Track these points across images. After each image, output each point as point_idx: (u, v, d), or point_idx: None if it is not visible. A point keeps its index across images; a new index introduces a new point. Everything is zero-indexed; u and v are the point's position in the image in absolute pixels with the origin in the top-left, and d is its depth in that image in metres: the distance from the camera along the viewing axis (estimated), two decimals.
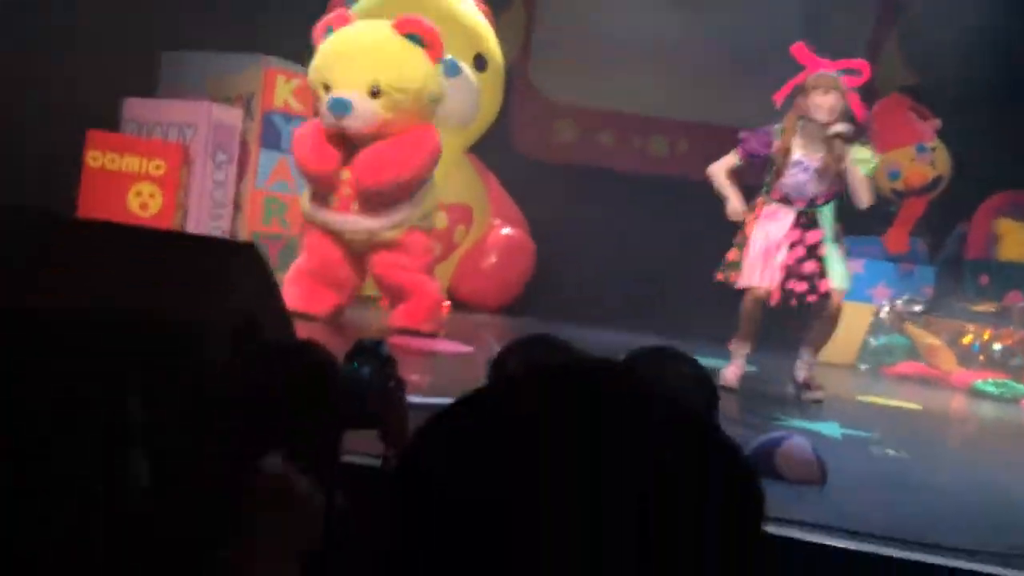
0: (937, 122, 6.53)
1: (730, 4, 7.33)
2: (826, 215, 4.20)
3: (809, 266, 4.14)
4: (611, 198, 6.87)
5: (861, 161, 4.10)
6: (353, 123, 4.35)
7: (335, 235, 4.51)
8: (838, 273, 4.17)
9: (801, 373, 4.23)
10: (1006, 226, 6.22)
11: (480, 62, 6.21)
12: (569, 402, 0.59)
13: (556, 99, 7.69)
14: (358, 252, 4.55)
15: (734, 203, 4.22)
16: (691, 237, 6.00)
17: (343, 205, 4.46)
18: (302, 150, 4.52)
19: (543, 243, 6.67)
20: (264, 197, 5.96)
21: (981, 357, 5.49)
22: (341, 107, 4.33)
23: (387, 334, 4.13)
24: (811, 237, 4.17)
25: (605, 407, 0.59)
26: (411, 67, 4.44)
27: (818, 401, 4.16)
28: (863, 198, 4.13)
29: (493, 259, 6.40)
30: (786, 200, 4.18)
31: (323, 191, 4.51)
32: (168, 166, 5.57)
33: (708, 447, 0.60)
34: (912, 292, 6.08)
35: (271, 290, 2.09)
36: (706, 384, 1.39)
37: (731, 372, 4.20)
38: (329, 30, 4.59)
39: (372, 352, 1.69)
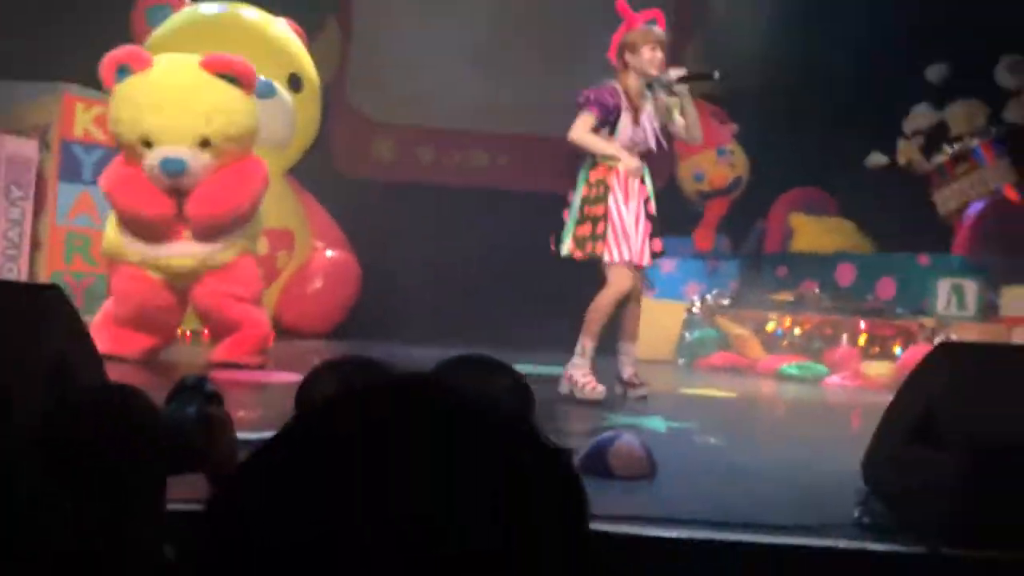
0: (734, 126, 6.98)
1: (539, 17, 7.58)
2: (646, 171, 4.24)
3: (648, 226, 4.17)
4: (433, 213, 6.93)
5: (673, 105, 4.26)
6: (188, 180, 4.20)
7: (154, 269, 4.29)
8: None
9: (627, 370, 4.26)
10: (798, 220, 6.73)
11: (295, 82, 6.13)
12: (378, 419, 0.59)
13: (374, 117, 7.69)
14: (181, 285, 4.35)
15: (616, 151, 4.09)
16: (516, 247, 6.15)
17: (171, 234, 4.27)
18: (131, 198, 4.21)
19: (367, 263, 6.63)
20: (66, 233, 5.61)
21: (784, 343, 5.92)
22: (176, 167, 4.15)
23: (210, 369, 3.99)
24: (645, 192, 4.20)
25: (415, 420, 0.59)
26: (237, 113, 4.28)
27: (643, 398, 4.28)
28: (698, 133, 4.31)
29: (318, 283, 6.29)
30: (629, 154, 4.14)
31: (148, 230, 4.29)
32: None
33: (526, 451, 0.60)
34: (720, 287, 6.48)
35: (79, 333, 2.00)
36: (520, 388, 1.41)
37: (590, 382, 4.11)
38: (123, 70, 4.27)
39: (195, 389, 1.65)
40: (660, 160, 7.01)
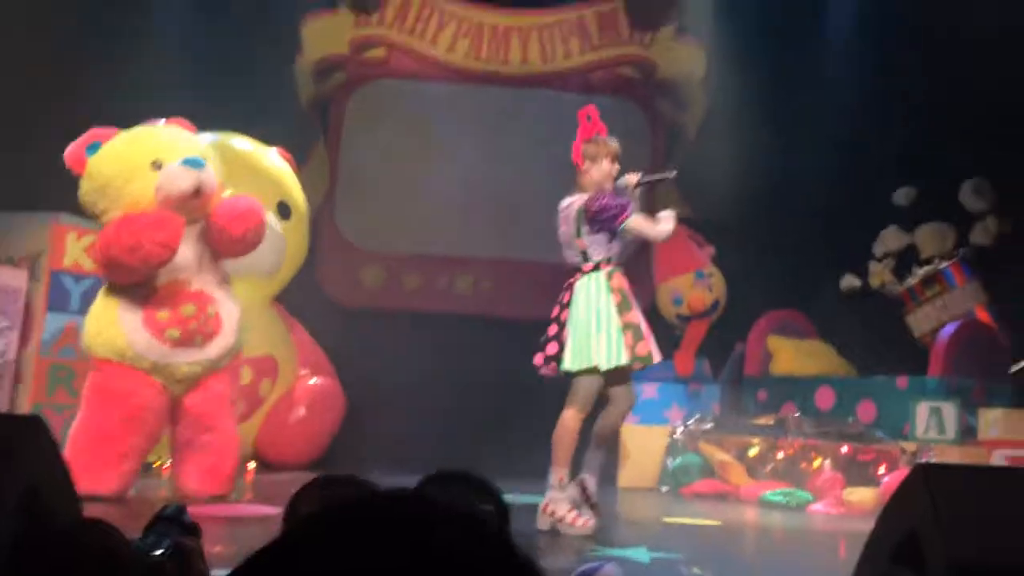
0: (712, 249, 7.13)
1: (520, 148, 7.84)
2: None
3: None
4: (419, 340, 6.97)
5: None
6: (208, 177, 4.31)
7: (157, 373, 4.27)
8: None
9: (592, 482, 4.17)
10: (777, 343, 6.80)
11: (284, 210, 6.27)
12: (362, 532, 0.60)
13: (361, 245, 7.84)
14: (181, 392, 4.35)
15: (664, 219, 4.19)
16: (502, 371, 6.18)
17: (185, 338, 4.28)
18: (166, 230, 4.14)
19: (351, 390, 6.62)
20: (49, 365, 5.60)
21: (767, 468, 5.89)
22: (196, 162, 4.27)
23: (186, 502, 3.94)
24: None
25: (398, 534, 0.60)
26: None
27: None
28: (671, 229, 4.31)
29: (302, 412, 6.25)
30: (620, 265, 4.24)
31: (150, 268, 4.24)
32: None
33: (506, 568, 0.62)
34: (702, 411, 6.48)
35: (56, 465, 1.99)
36: (497, 501, 1.43)
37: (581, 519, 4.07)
38: (93, 147, 4.35)
39: (172, 521, 1.65)
40: (640, 283, 7.19)
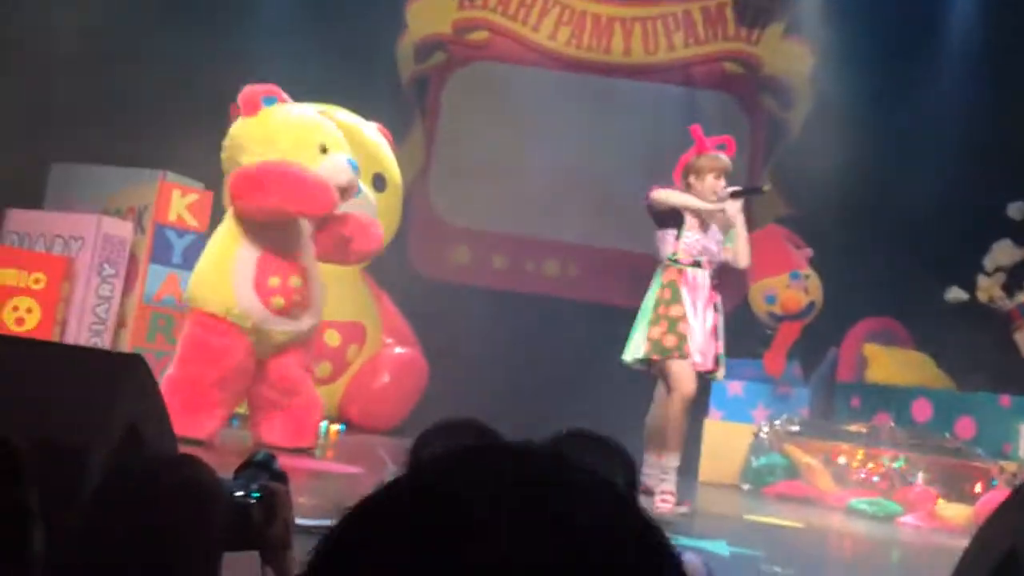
0: (809, 251, 6.95)
1: (616, 137, 7.76)
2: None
3: (714, 332, 4.17)
4: (503, 318, 6.98)
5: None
6: (356, 182, 4.50)
7: (254, 333, 4.37)
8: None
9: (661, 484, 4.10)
10: (872, 350, 6.58)
11: (379, 182, 6.34)
12: (495, 478, 0.57)
13: (452, 222, 7.88)
14: (263, 355, 4.46)
15: (703, 204, 4.14)
16: (581, 356, 6.14)
17: (287, 307, 4.40)
18: (319, 188, 4.33)
19: (435, 363, 6.68)
20: (151, 313, 5.80)
21: (856, 476, 5.69)
22: (354, 166, 4.52)
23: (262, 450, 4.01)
24: (715, 297, 4.21)
25: (532, 483, 0.57)
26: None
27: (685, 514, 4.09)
28: (744, 260, 4.26)
29: (386, 378, 6.35)
30: (697, 264, 4.19)
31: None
32: (48, 280, 5.40)
33: (636, 522, 0.59)
34: (790, 413, 6.31)
35: (155, 401, 2.05)
36: (628, 464, 1.41)
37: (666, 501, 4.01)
38: (271, 100, 4.54)
39: (262, 466, 1.66)
40: (732, 280, 7.05)
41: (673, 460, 4.06)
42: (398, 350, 6.54)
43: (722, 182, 4.18)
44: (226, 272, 4.40)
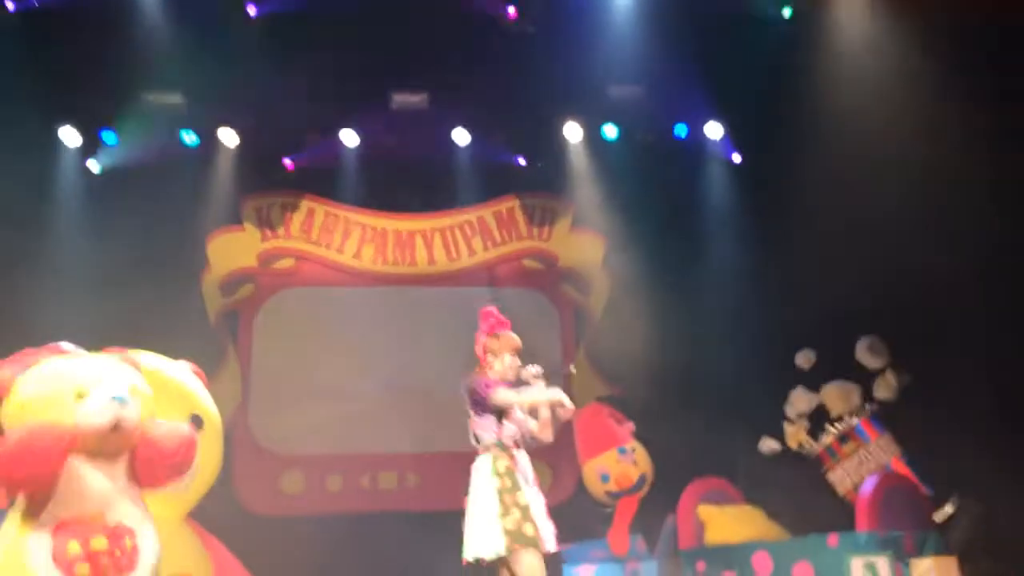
0: (631, 425, 7.19)
1: (433, 343, 7.94)
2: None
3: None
4: (345, 544, 6.73)
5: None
6: (129, 413, 4.11)
7: None
8: None
9: None
10: (707, 512, 6.76)
11: (196, 423, 6.11)
12: None
13: (278, 451, 7.65)
14: None
15: (552, 394, 4.15)
16: (431, 568, 5.96)
17: (97, 574, 3.98)
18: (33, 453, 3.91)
19: None
20: None
21: None
22: (121, 399, 4.05)
23: None
24: (536, 476, 4.23)
25: None
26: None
27: None
28: (547, 435, 4.29)
29: None
30: (518, 446, 4.22)
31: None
32: None
33: None
34: None
35: None
36: None
37: None
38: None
39: None
40: (566, 464, 7.18)
41: None
42: None
43: (517, 360, 4.37)
44: (23, 547, 4.03)
